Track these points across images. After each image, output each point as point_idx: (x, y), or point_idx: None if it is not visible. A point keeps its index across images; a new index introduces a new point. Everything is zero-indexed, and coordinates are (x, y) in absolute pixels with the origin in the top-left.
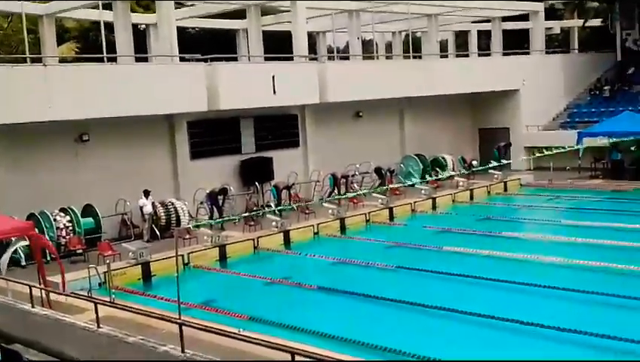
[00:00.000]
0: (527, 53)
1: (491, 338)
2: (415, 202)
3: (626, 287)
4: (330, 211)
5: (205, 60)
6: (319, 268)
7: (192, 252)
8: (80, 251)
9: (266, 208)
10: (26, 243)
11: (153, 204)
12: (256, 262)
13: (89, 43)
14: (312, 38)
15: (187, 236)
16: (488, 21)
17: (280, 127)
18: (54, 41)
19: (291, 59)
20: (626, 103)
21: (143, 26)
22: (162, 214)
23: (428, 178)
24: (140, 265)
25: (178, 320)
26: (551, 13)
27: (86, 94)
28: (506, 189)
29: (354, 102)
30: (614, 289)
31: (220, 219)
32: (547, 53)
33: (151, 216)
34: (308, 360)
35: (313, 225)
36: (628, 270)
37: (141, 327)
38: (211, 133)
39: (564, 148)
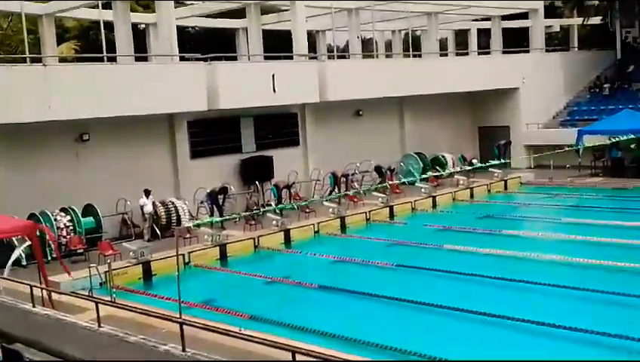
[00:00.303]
0: (527, 52)
1: (492, 336)
2: (415, 200)
3: (626, 285)
4: (330, 210)
5: (205, 60)
6: (320, 266)
7: (192, 251)
8: (81, 251)
9: (267, 207)
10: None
11: (154, 203)
12: (256, 261)
13: (89, 42)
14: (312, 37)
15: (187, 235)
16: (488, 19)
17: (280, 126)
18: (54, 40)
19: (291, 58)
20: (626, 101)
21: (143, 25)
22: (163, 213)
23: (429, 173)
24: (140, 265)
25: (179, 320)
26: (550, 11)
27: (86, 94)
28: (506, 187)
29: (354, 101)
30: (614, 287)
31: (221, 218)
32: (547, 51)
33: (151, 216)
34: (309, 358)
35: (313, 224)
36: (628, 267)
37: (142, 326)
38: (211, 133)
39: (569, 146)
